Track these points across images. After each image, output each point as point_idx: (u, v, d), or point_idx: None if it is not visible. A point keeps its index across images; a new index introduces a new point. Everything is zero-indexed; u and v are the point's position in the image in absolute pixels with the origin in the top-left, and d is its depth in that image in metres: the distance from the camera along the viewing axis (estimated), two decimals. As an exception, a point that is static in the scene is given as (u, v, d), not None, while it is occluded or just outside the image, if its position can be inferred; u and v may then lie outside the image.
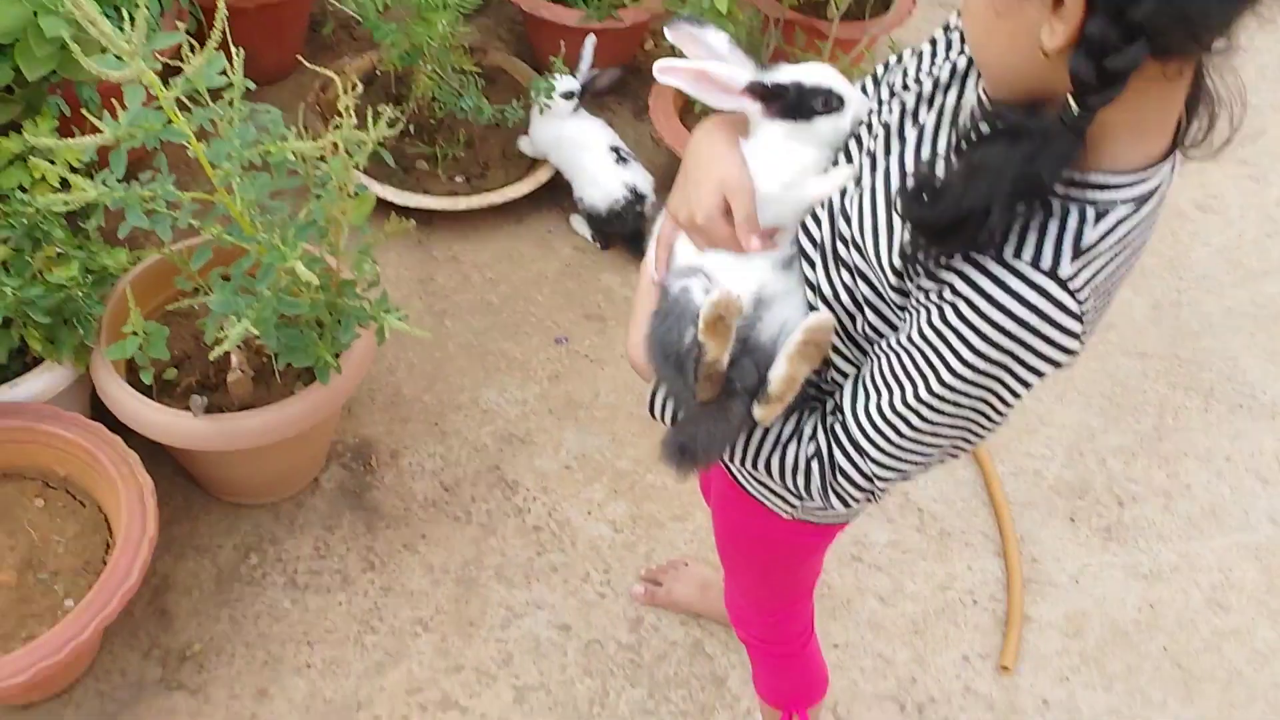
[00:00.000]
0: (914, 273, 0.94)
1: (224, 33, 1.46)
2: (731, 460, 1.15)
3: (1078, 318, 0.87)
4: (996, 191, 0.84)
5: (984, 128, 0.88)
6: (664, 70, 1.06)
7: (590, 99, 2.70)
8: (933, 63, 1.05)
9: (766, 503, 1.32)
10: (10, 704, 1.85)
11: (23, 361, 1.93)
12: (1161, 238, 2.97)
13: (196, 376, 2.01)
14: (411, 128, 2.72)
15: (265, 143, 1.56)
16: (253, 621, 2.03)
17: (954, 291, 0.89)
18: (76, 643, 1.63)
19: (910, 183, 0.92)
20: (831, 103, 1.06)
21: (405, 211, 2.53)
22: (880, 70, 1.14)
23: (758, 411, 1.06)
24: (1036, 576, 2.27)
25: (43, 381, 1.90)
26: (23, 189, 1.86)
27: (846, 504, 1.09)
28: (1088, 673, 2.14)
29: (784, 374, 1.03)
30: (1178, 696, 2.13)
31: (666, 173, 2.85)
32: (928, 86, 1.02)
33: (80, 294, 1.85)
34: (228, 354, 1.89)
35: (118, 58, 1.45)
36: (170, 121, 1.52)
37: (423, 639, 2.04)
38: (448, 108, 2.61)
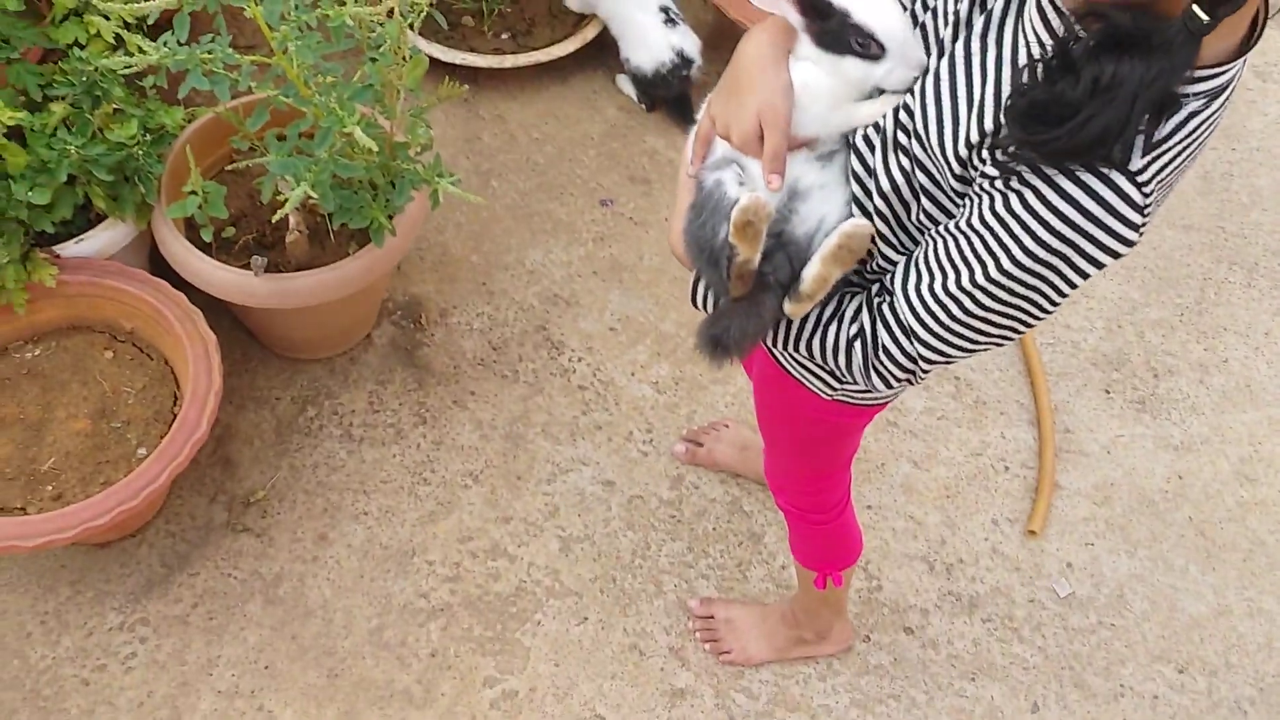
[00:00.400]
0: (980, 161, 0.96)
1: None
2: (773, 345, 1.19)
3: (1141, 210, 0.89)
4: (1136, 110, 0.84)
5: (1083, 34, 0.87)
6: None
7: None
8: None
9: (806, 383, 1.36)
10: (88, 544, 1.97)
11: (86, 218, 1.98)
12: (1217, 107, 2.91)
13: (253, 234, 2.06)
14: (456, -18, 2.69)
15: (323, 6, 1.56)
16: (311, 471, 2.12)
17: (1022, 180, 0.91)
18: (151, 489, 1.73)
19: (1020, 102, 0.91)
20: (870, 48, 1.04)
21: (451, 69, 2.52)
22: None
23: (789, 307, 1.09)
24: (1068, 446, 2.32)
25: (106, 238, 1.95)
26: (79, 45, 1.88)
27: (888, 385, 1.13)
28: (1112, 539, 2.21)
29: (817, 274, 1.06)
30: (1199, 564, 2.20)
31: (714, 33, 2.81)
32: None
33: (140, 152, 1.88)
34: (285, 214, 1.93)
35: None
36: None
37: (473, 491, 2.13)
38: (494, -38, 2.58)
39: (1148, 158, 0.89)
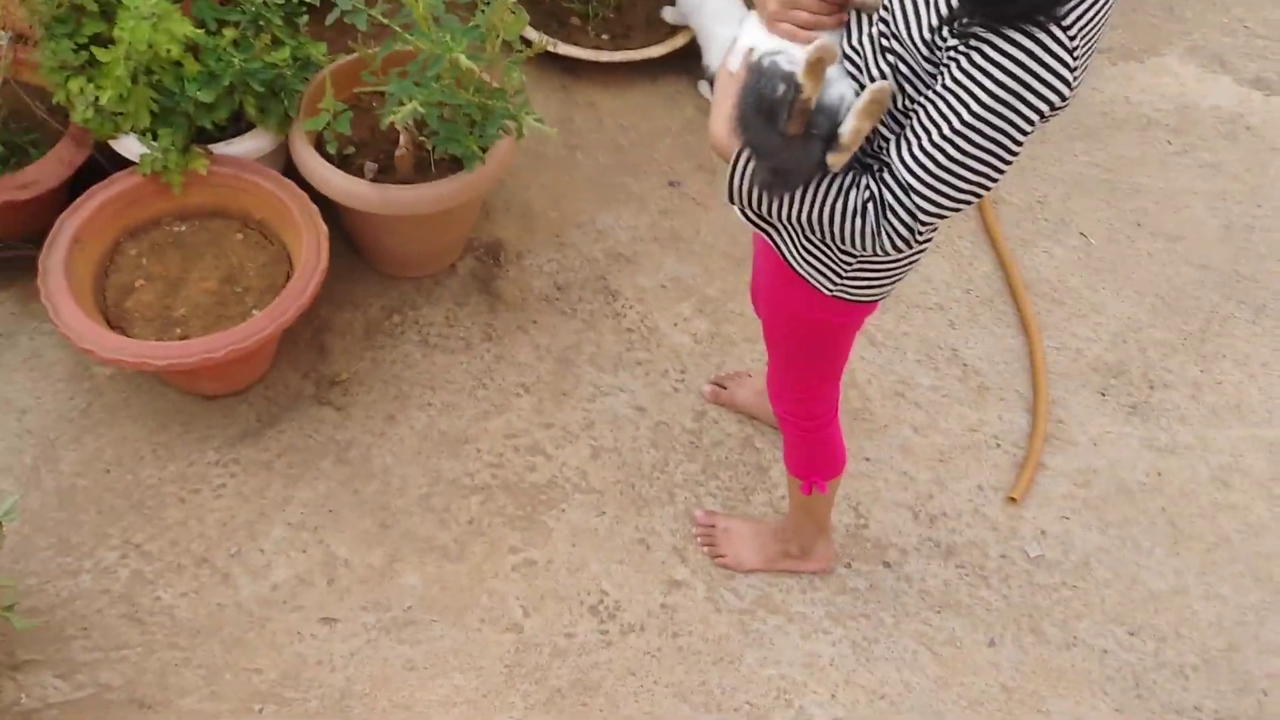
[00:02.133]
0: (942, 40, 1.28)
1: None
2: (801, 207, 1.47)
3: (1070, 53, 1.21)
4: None
5: None
6: None
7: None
8: None
9: (812, 279, 1.66)
10: (199, 393, 2.36)
11: (237, 127, 2.41)
12: (1250, 168, 3.15)
13: (370, 159, 2.45)
14: (568, -12, 3.10)
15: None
16: (389, 365, 2.49)
17: (976, 42, 1.23)
18: (259, 336, 2.11)
19: None
20: None
21: (555, 59, 2.92)
22: None
23: (831, 158, 1.40)
24: (1059, 434, 2.57)
25: (252, 144, 2.37)
26: (253, -16, 2.32)
27: (894, 245, 1.42)
28: (1087, 516, 2.44)
29: (853, 126, 1.37)
30: (1165, 548, 2.42)
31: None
32: None
33: (289, 74, 2.30)
34: (398, 137, 2.33)
35: None
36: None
37: (523, 399, 2.47)
38: (604, -30, 2.98)
39: (1074, 14, 1.20)
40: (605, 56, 3.01)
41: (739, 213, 1.65)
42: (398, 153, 2.33)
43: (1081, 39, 1.23)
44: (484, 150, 2.30)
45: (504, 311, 2.61)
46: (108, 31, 2.30)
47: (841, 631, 2.23)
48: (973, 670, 2.21)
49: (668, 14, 3.12)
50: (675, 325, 2.64)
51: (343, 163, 2.42)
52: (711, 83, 3.03)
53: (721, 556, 2.28)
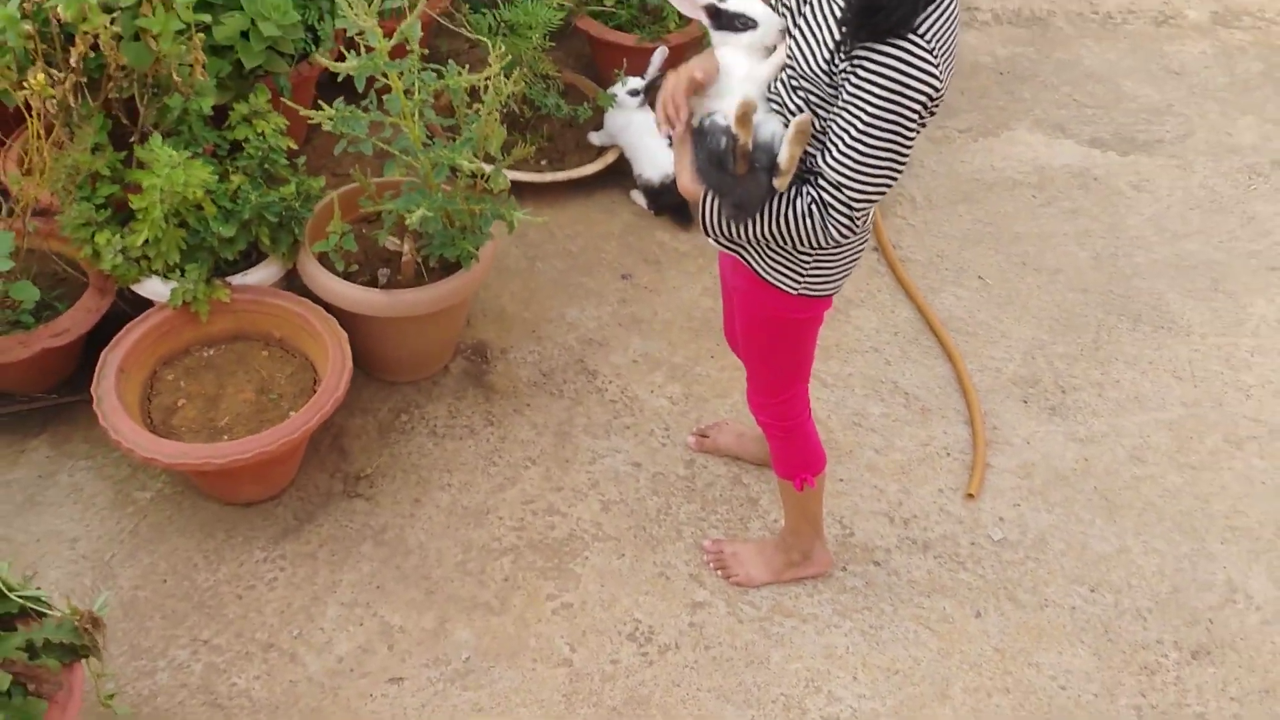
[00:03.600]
0: (836, 66, 1.69)
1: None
2: (762, 224, 1.84)
3: (930, 53, 1.62)
4: (917, 4, 1.61)
5: None
6: None
7: (650, 98, 3.48)
8: None
9: (779, 284, 2.02)
10: (238, 500, 2.57)
11: (249, 260, 2.69)
12: (1104, 209, 3.70)
13: (368, 277, 2.76)
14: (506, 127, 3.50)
15: (445, 76, 2.33)
16: (406, 456, 2.74)
17: (860, 58, 1.64)
18: (305, 428, 2.36)
19: (852, 9, 1.64)
20: (747, 23, 1.83)
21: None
22: None
23: (777, 182, 1.78)
24: (996, 439, 2.95)
25: (264, 272, 2.66)
26: (259, 135, 2.64)
27: (841, 234, 1.80)
28: (1034, 501, 2.81)
29: (788, 154, 1.76)
30: (1103, 518, 2.79)
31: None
32: None
33: (296, 205, 2.61)
34: (388, 254, 2.65)
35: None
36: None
37: (531, 470, 2.75)
38: (536, 105, 3.40)
39: (926, 25, 1.62)
40: (548, 177, 3.41)
41: (713, 241, 2.02)
42: (403, 259, 2.64)
43: (937, 42, 1.65)
44: (477, 248, 2.63)
45: (499, 399, 2.90)
46: (119, 193, 2.59)
47: (850, 624, 2.51)
48: (967, 639, 2.51)
49: (594, 138, 3.55)
50: (652, 392, 2.96)
51: (345, 280, 2.72)
52: (644, 190, 3.45)
53: (734, 576, 2.56)
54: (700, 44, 3.59)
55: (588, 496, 2.71)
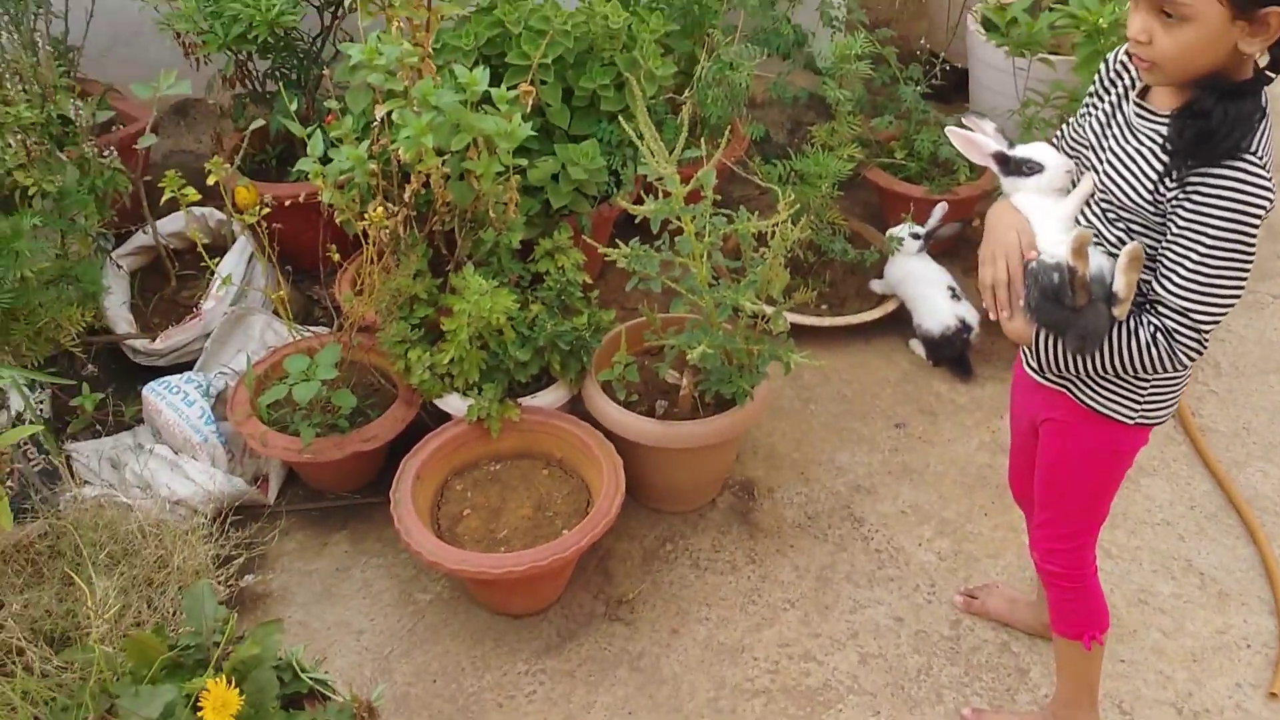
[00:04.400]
0: (1164, 192, 1.68)
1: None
2: (1108, 356, 1.80)
3: (1264, 168, 1.62)
4: (1251, 124, 1.63)
5: (1203, 96, 1.64)
6: (950, 131, 1.90)
7: (932, 247, 3.48)
8: (1104, 92, 1.85)
9: (1111, 413, 1.94)
10: (508, 612, 2.68)
11: (539, 383, 2.87)
12: None
13: (647, 407, 2.87)
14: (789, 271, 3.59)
15: (735, 221, 2.44)
16: (668, 585, 2.78)
17: (1192, 183, 1.64)
18: (577, 547, 2.45)
19: (1183, 138, 1.65)
20: (1034, 167, 1.86)
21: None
22: (1071, 121, 1.95)
23: (1116, 311, 1.75)
24: (1308, 634, 2.66)
25: (553, 395, 2.82)
26: (559, 269, 2.84)
27: (1189, 357, 1.76)
28: (1353, 710, 2.50)
29: (1125, 281, 1.73)
30: None
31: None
32: (1109, 104, 1.83)
33: (587, 335, 2.77)
34: (666, 386, 2.75)
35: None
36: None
37: (790, 613, 2.72)
38: (820, 251, 3.47)
39: (1256, 142, 1.63)
40: (827, 322, 3.45)
41: (1039, 378, 2.01)
42: (681, 392, 2.74)
43: (1266, 155, 1.64)
44: (753, 386, 2.69)
45: (763, 538, 2.91)
46: (432, 315, 2.84)
47: (1127, 820, 2.30)
48: None
49: (876, 285, 3.57)
50: (919, 545, 2.88)
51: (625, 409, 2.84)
52: (923, 340, 3.42)
53: (997, 749, 2.41)
54: (990, 197, 3.57)
55: (846, 646, 2.64)
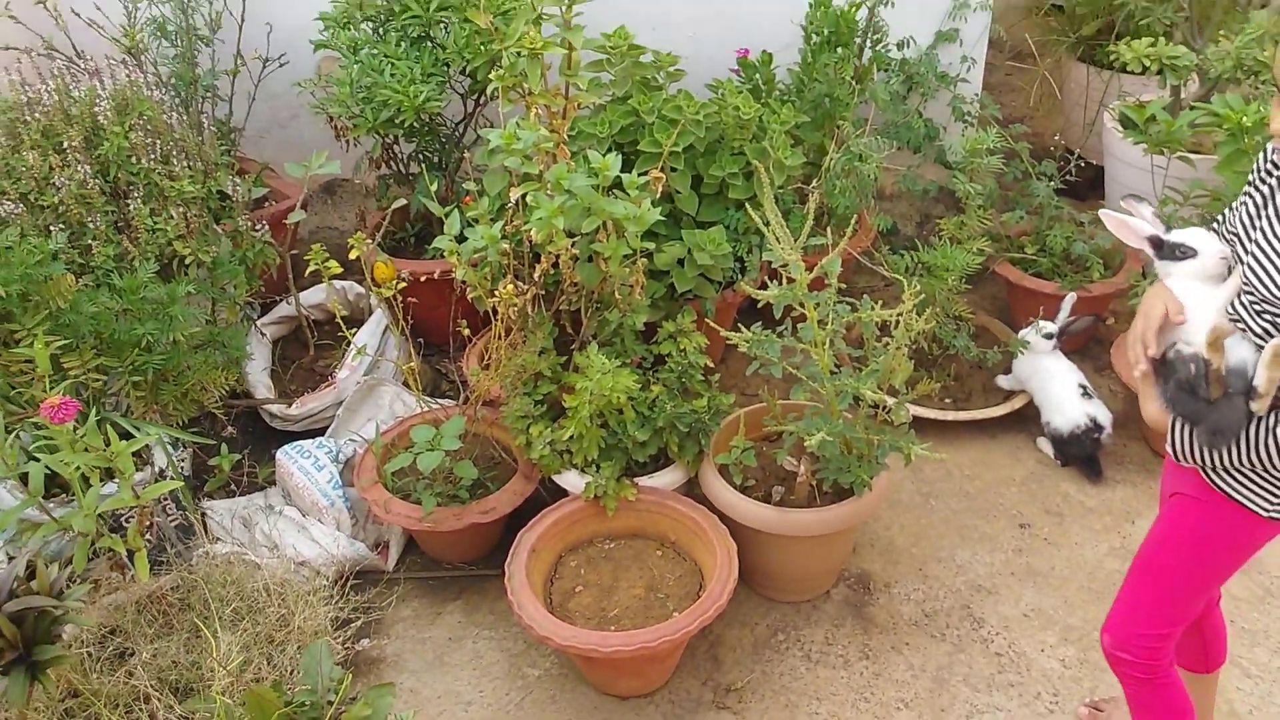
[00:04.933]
0: None
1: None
2: (1243, 450, 1.74)
3: None
4: None
5: None
6: (1104, 214, 1.89)
7: (1063, 344, 3.40)
8: (1261, 183, 1.81)
9: (1245, 500, 1.86)
10: (615, 692, 2.67)
11: (656, 463, 2.88)
12: None
13: (763, 493, 2.85)
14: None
15: (859, 310, 2.43)
16: (777, 677, 2.73)
17: None
18: (686, 630, 2.43)
19: None
20: (1187, 251, 1.83)
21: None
22: (1226, 212, 1.92)
23: (1255, 406, 1.69)
24: None
25: (670, 476, 2.83)
26: (681, 351, 2.87)
27: None
28: None
29: (1266, 377, 1.67)
30: None
31: (1124, 411, 3.45)
32: (1261, 195, 1.78)
33: (706, 418, 2.78)
34: (783, 473, 2.73)
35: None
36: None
37: (903, 713, 2.64)
38: (945, 344, 3.43)
39: None
40: (951, 416, 3.39)
41: (1179, 460, 1.91)
42: (798, 479, 2.72)
43: None
44: (871, 477, 2.66)
45: (878, 633, 2.84)
46: (555, 392, 2.89)
47: None
48: None
49: (1003, 381, 3.50)
50: (1042, 651, 2.78)
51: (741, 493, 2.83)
52: (1052, 438, 3.33)
53: None
54: (1126, 295, 3.49)
55: (961, 752, 2.55)
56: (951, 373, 3.56)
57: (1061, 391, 3.31)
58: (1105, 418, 3.28)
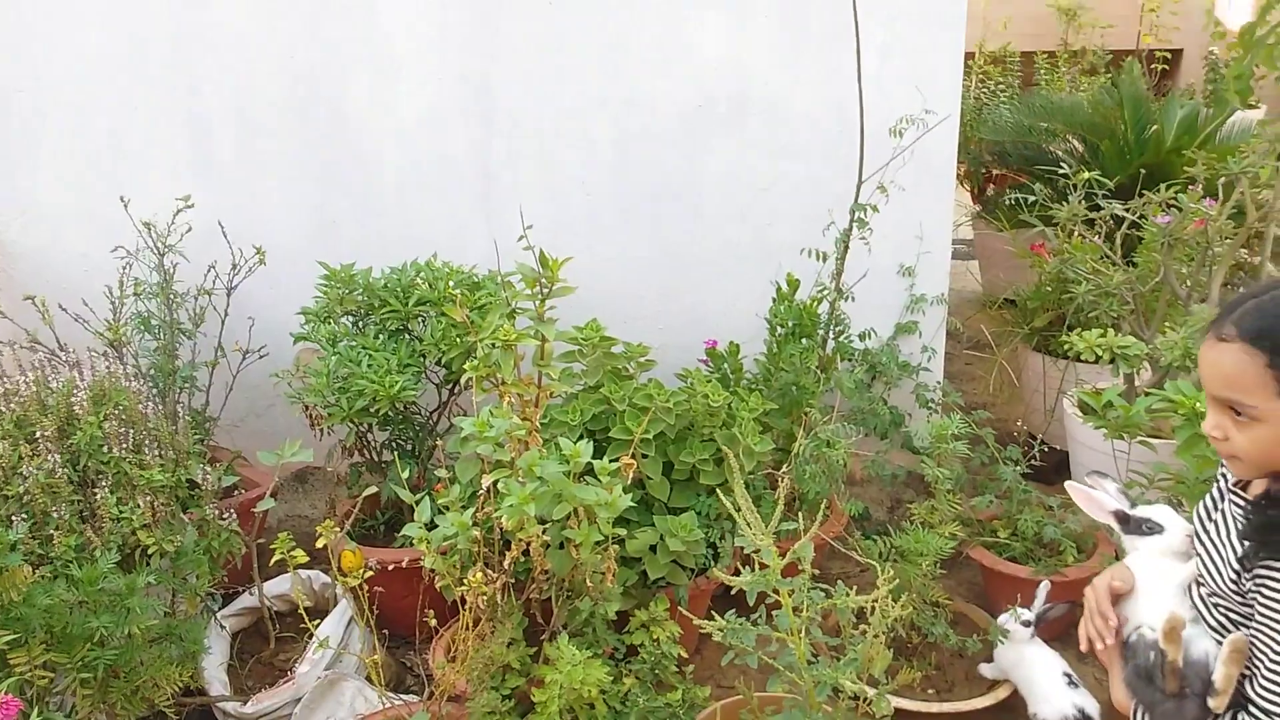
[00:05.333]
0: (1243, 583, 1.59)
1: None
2: None
3: None
4: None
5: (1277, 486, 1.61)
6: (1070, 486, 1.90)
7: (1040, 632, 3.34)
8: (1220, 477, 1.82)
9: None
10: None
11: (629, 763, 2.74)
12: None
13: (742, 793, 2.70)
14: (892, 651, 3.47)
15: (834, 596, 2.40)
16: None
17: (1263, 576, 1.55)
18: None
19: (1254, 526, 1.60)
20: (1153, 527, 1.84)
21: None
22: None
23: (1212, 703, 1.64)
24: None
25: (643, 777, 2.68)
26: (654, 641, 2.80)
27: None
28: None
29: (1224, 673, 1.63)
30: None
31: (1109, 701, 3.34)
32: (1215, 493, 1.79)
33: (680, 713, 2.67)
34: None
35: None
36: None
37: None
38: (923, 631, 3.36)
39: None
40: (934, 708, 3.27)
41: None
42: (778, 779, 2.58)
43: None
44: (854, 778, 2.53)
45: None
46: (524, 686, 2.79)
47: None
48: None
49: (986, 670, 3.41)
50: None
51: (721, 796, 2.68)
52: (1042, 729, 3.21)
53: None
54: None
55: None
56: (932, 661, 3.47)
57: (1046, 681, 3.21)
58: (1093, 708, 3.17)
